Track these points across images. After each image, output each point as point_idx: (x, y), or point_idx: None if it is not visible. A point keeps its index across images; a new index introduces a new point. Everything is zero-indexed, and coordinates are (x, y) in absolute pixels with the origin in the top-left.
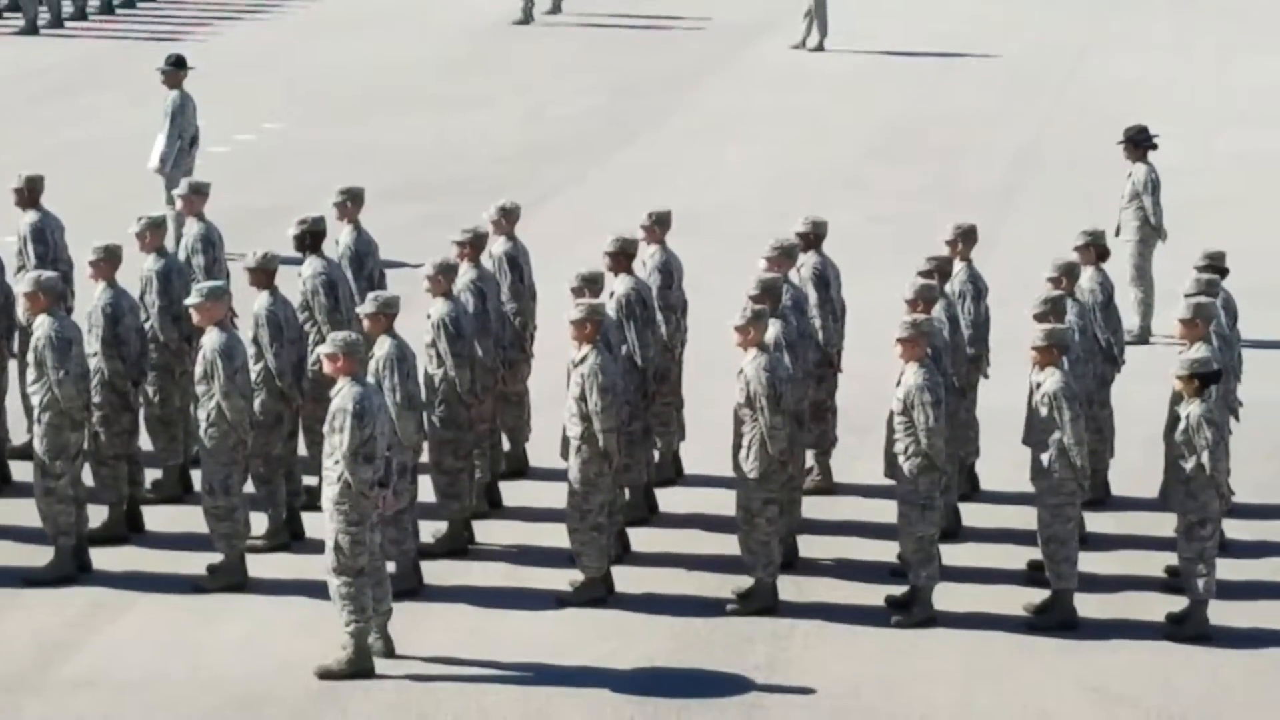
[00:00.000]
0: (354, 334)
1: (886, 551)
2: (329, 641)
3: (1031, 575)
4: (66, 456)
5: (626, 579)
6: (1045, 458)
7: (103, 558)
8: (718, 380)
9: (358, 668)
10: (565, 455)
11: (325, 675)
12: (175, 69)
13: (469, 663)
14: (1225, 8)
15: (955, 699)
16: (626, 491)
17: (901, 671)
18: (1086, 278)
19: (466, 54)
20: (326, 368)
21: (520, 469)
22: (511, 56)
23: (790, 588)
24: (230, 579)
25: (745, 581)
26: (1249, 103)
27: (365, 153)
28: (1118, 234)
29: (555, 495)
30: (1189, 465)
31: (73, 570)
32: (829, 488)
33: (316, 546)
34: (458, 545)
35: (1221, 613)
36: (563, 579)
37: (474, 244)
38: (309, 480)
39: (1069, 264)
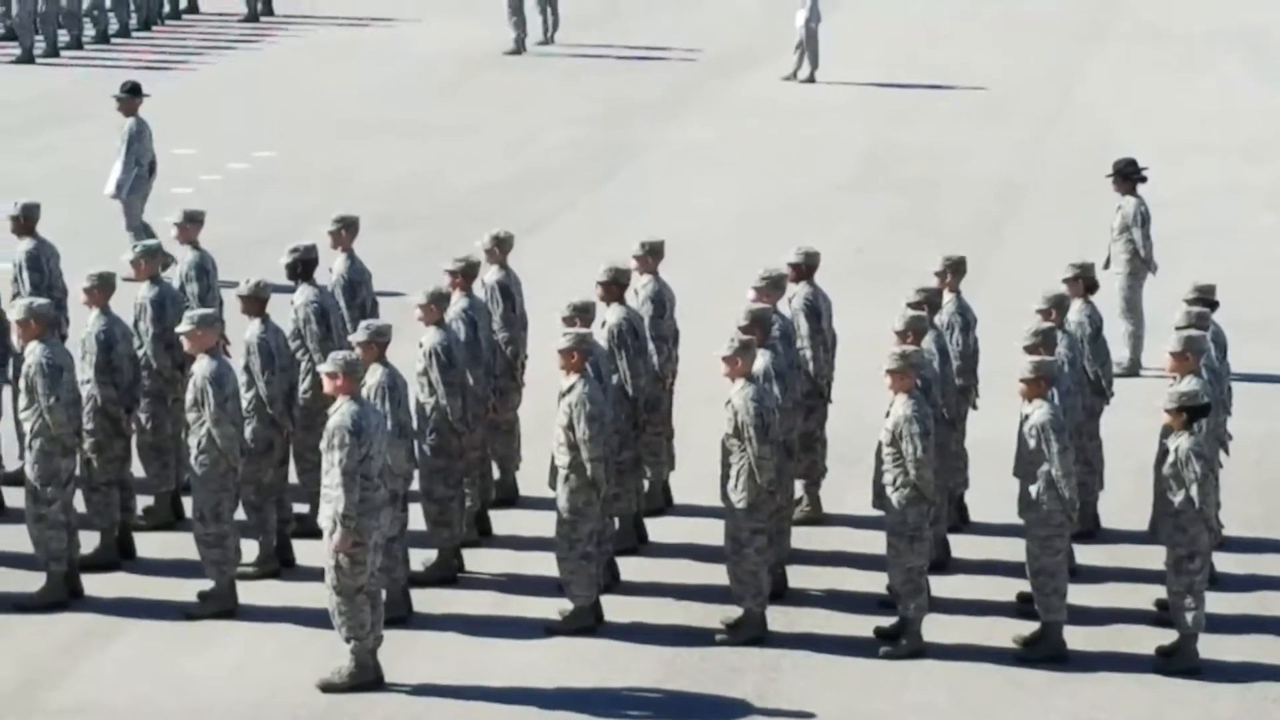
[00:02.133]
0: (353, 353)
1: (876, 582)
2: (318, 667)
3: (1021, 607)
4: (58, 483)
5: (615, 608)
6: (1034, 490)
7: (94, 584)
8: (706, 408)
9: (360, 680)
10: (553, 484)
11: (327, 688)
12: (130, 96)
13: (458, 691)
14: (1213, 38)
15: None
16: (616, 521)
17: (890, 703)
18: (1075, 310)
19: (458, 84)
20: (326, 386)
21: (510, 497)
22: (503, 86)
23: (779, 618)
24: (221, 606)
25: (734, 611)
26: (1235, 134)
27: (357, 181)
28: (1107, 266)
29: (545, 524)
30: (1177, 499)
31: (64, 596)
32: (818, 518)
33: (307, 574)
34: (447, 573)
35: (1212, 646)
36: (552, 608)
37: (466, 273)
38: (299, 508)
39: (1058, 296)
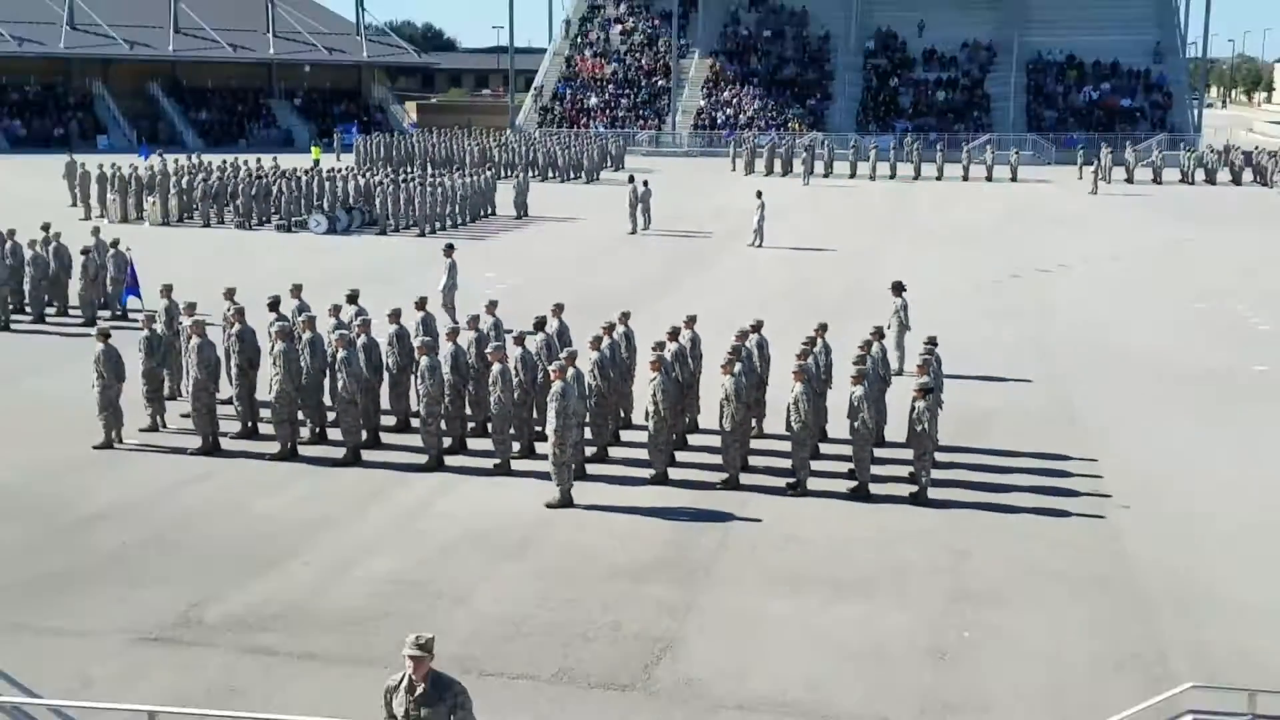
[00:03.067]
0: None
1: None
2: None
3: (849, 474)
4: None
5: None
6: (859, 418)
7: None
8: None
9: (565, 503)
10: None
11: (551, 506)
12: (449, 249)
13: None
14: (952, 230)
15: None
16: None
17: (807, 506)
18: (877, 348)
19: (611, 247)
20: (554, 377)
21: (621, 431)
22: (626, 245)
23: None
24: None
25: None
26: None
27: (545, 291)
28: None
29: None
30: (918, 428)
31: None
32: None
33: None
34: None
35: (932, 493)
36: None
37: (609, 329)
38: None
39: (867, 341)
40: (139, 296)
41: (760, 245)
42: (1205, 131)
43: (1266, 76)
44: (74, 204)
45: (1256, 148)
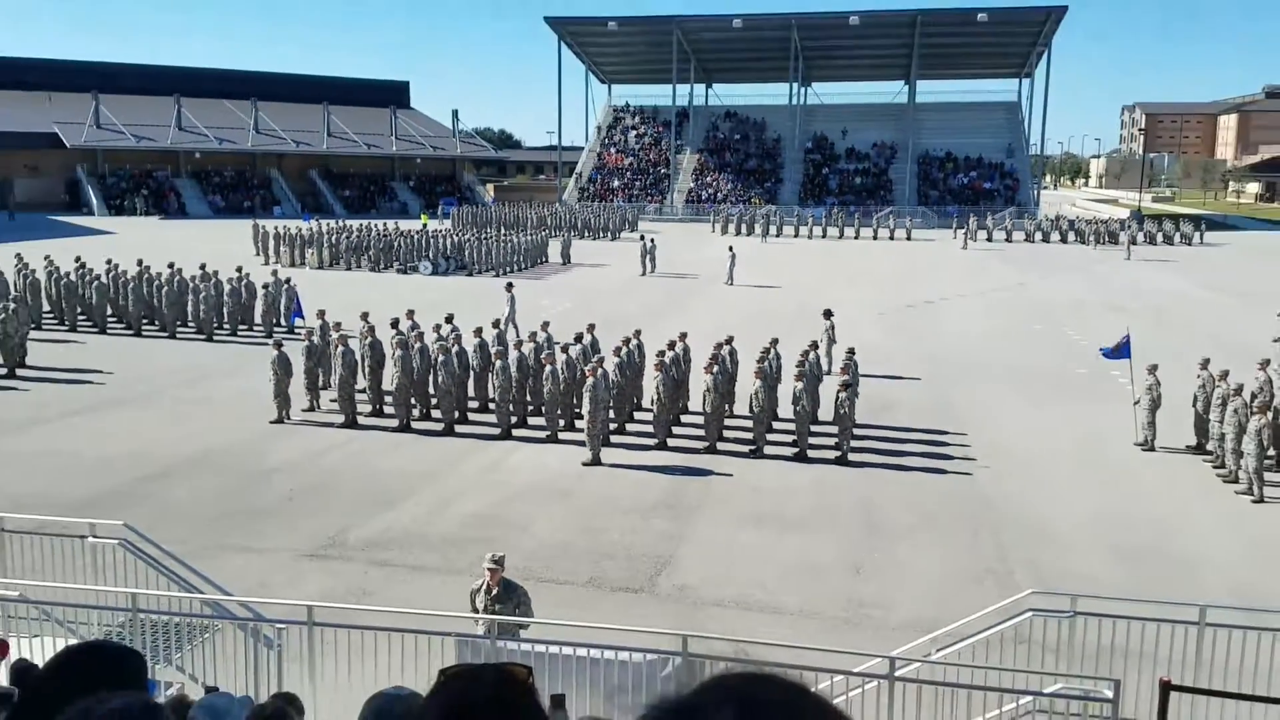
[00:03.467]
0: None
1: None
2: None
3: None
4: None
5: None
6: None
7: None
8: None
9: (595, 463)
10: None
11: (586, 464)
12: (509, 288)
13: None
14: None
15: None
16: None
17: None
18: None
19: (626, 284)
20: (589, 372)
21: (633, 414)
22: (638, 285)
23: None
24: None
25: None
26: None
27: (640, 314)
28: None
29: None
30: (838, 411)
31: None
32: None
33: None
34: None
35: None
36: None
37: (627, 341)
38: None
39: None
40: (302, 318)
41: (731, 284)
42: (1042, 205)
43: (1084, 167)
44: (257, 254)
45: (1078, 217)
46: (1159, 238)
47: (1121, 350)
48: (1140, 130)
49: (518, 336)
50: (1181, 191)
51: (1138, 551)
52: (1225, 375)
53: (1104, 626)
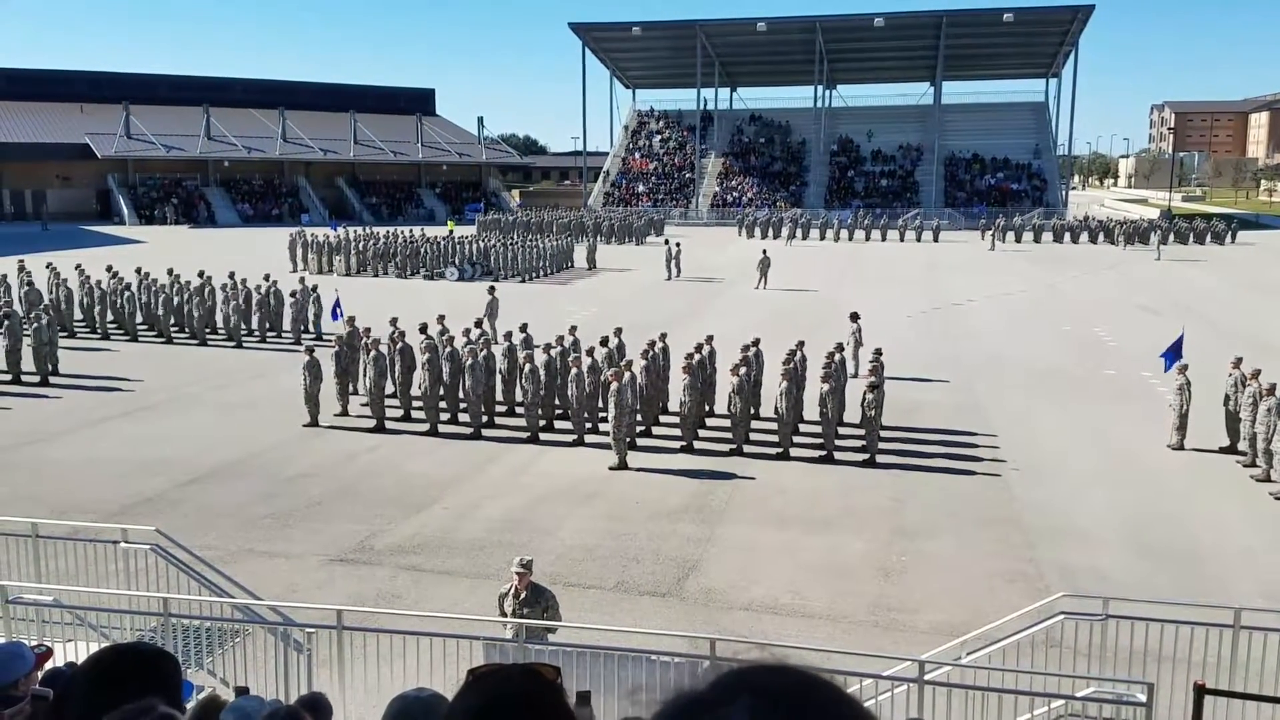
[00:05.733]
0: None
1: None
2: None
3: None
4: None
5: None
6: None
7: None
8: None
9: (621, 466)
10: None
11: (612, 468)
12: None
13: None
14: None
15: None
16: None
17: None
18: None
19: (649, 285)
20: (611, 375)
21: (658, 418)
22: (662, 289)
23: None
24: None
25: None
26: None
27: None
28: (846, 344)
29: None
30: (867, 413)
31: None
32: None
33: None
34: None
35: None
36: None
37: (652, 344)
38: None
39: (837, 348)
40: (340, 318)
41: (766, 288)
42: (1070, 206)
43: (1112, 167)
44: (294, 268)
45: (1108, 218)
46: (1190, 237)
47: (1176, 350)
48: (1170, 129)
49: (494, 335)
50: (1212, 191)
51: (1170, 553)
52: (1257, 374)
53: (1137, 629)
